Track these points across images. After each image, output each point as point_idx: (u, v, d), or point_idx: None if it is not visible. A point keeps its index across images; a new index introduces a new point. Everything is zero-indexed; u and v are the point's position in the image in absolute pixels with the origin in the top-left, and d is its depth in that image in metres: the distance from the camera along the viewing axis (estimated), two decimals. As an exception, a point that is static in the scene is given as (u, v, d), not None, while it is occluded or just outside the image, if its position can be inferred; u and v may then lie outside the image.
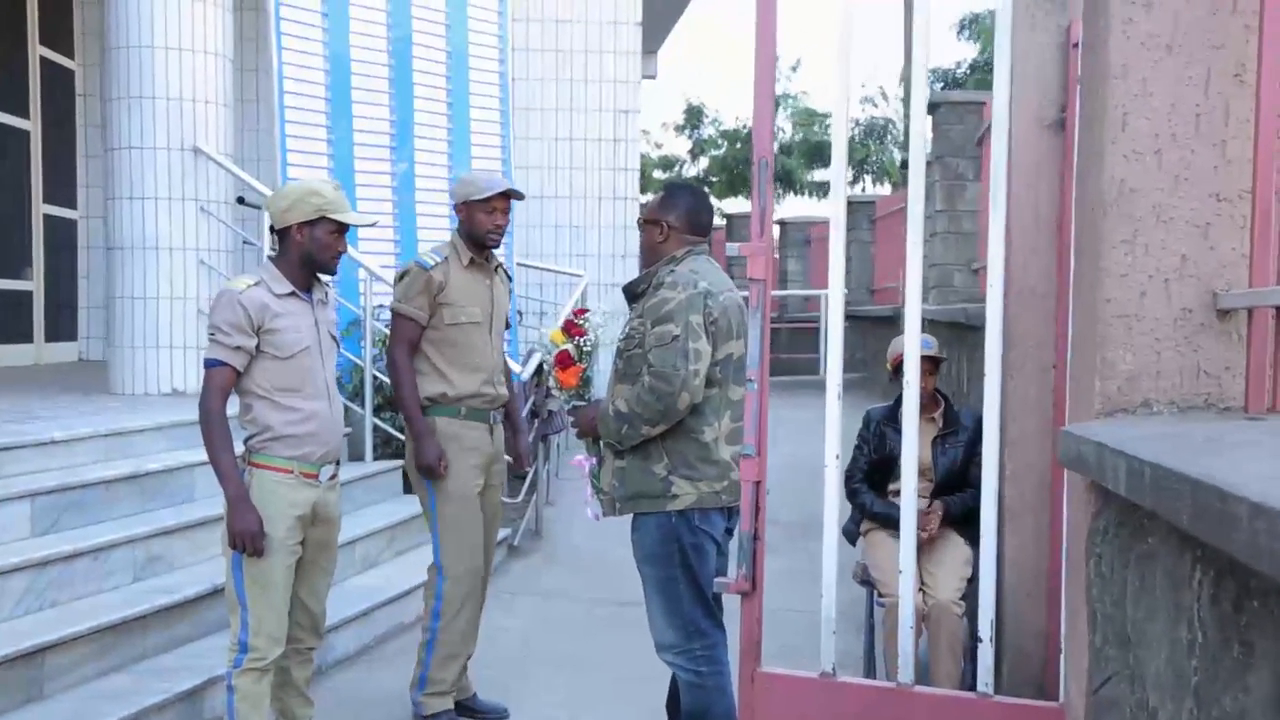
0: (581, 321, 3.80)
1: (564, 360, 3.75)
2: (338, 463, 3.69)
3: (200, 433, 3.40)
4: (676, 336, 3.30)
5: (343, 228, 3.56)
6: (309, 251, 3.52)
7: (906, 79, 21.63)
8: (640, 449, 3.42)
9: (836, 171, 2.91)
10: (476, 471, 4.11)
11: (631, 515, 3.51)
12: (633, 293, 3.58)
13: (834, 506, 2.94)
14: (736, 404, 3.41)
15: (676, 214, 3.58)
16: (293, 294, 3.51)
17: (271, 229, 3.60)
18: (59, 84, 9.32)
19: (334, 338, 3.70)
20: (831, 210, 2.90)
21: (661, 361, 3.30)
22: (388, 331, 6.60)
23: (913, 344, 2.88)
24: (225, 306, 3.40)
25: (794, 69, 30.40)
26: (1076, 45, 3.64)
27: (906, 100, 22.31)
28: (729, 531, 3.54)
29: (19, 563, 3.93)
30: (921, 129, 2.93)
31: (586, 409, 3.62)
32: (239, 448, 3.48)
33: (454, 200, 4.20)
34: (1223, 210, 2.07)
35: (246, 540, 3.34)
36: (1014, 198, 3.67)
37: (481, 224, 4.12)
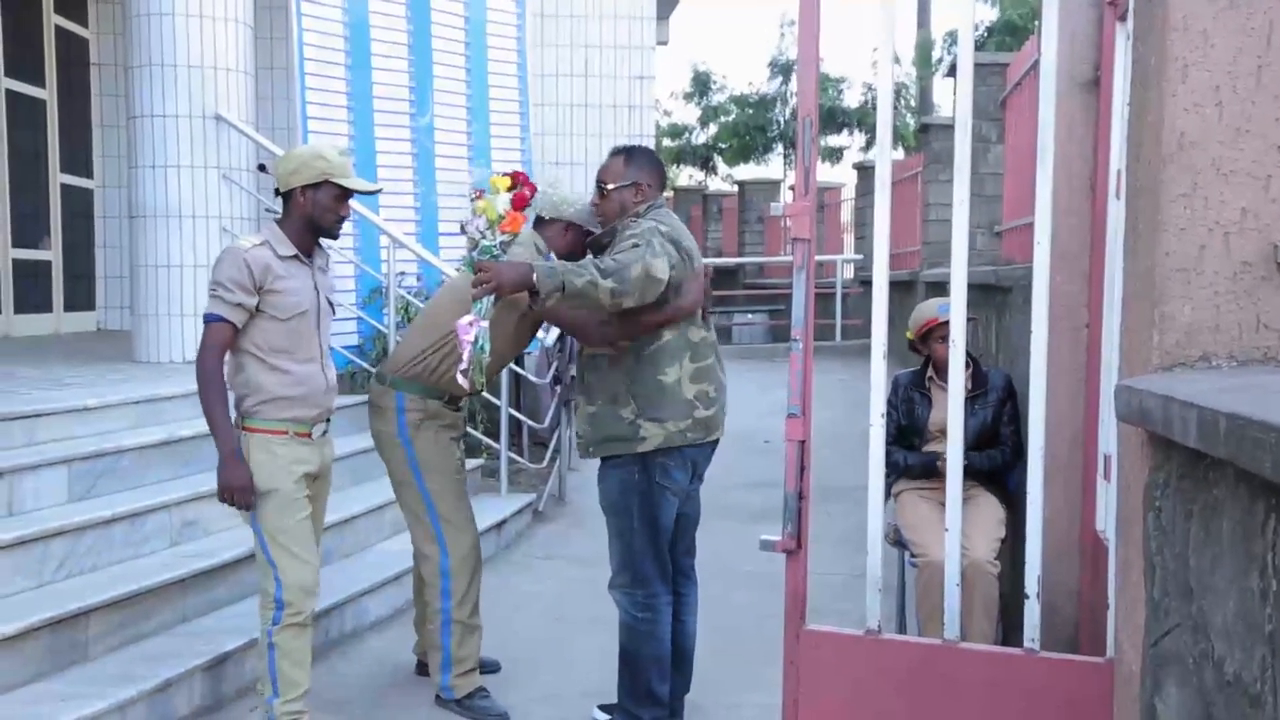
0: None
1: (521, 202, 3.58)
2: (328, 420, 3.72)
3: (198, 389, 3.42)
4: (638, 245, 3.39)
5: (346, 193, 3.59)
6: (311, 215, 3.55)
7: (921, 43, 21.48)
8: (609, 395, 3.57)
9: (882, 138, 2.90)
10: (455, 444, 4.10)
11: (598, 465, 3.69)
12: (599, 245, 3.69)
13: (879, 467, 2.95)
14: (697, 345, 3.62)
15: (648, 173, 3.72)
16: (295, 257, 3.55)
17: (276, 191, 3.62)
18: (74, 52, 9.29)
19: (331, 304, 3.73)
20: (878, 173, 2.90)
21: (622, 255, 3.36)
22: (410, 298, 6.66)
23: (959, 310, 2.88)
24: (230, 263, 3.43)
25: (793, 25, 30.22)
26: (1112, 3, 3.62)
27: (920, 64, 22.18)
28: (698, 478, 3.75)
29: (58, 528, 3.96)
30: (966, 104, 2.90)
31: (511, 262, 3.45)
32: (232, 413, 3.53)
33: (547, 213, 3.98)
34: (1284, 163, 2.06)
35: (235, 495, 3.41)
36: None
37: None
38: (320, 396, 3.61)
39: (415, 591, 4.31)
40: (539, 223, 4.00)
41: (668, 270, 3.40)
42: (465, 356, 3.48)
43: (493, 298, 3.46)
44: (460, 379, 3.54)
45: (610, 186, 3.69)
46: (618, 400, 3.57)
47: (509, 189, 3.58)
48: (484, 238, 3.55)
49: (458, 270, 3.83)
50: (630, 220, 3.61)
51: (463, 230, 3.70)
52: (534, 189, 3.66)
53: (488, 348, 3.54)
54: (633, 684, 3.71)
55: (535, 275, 3.24)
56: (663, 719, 3.74)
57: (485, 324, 3.49)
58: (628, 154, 3.73)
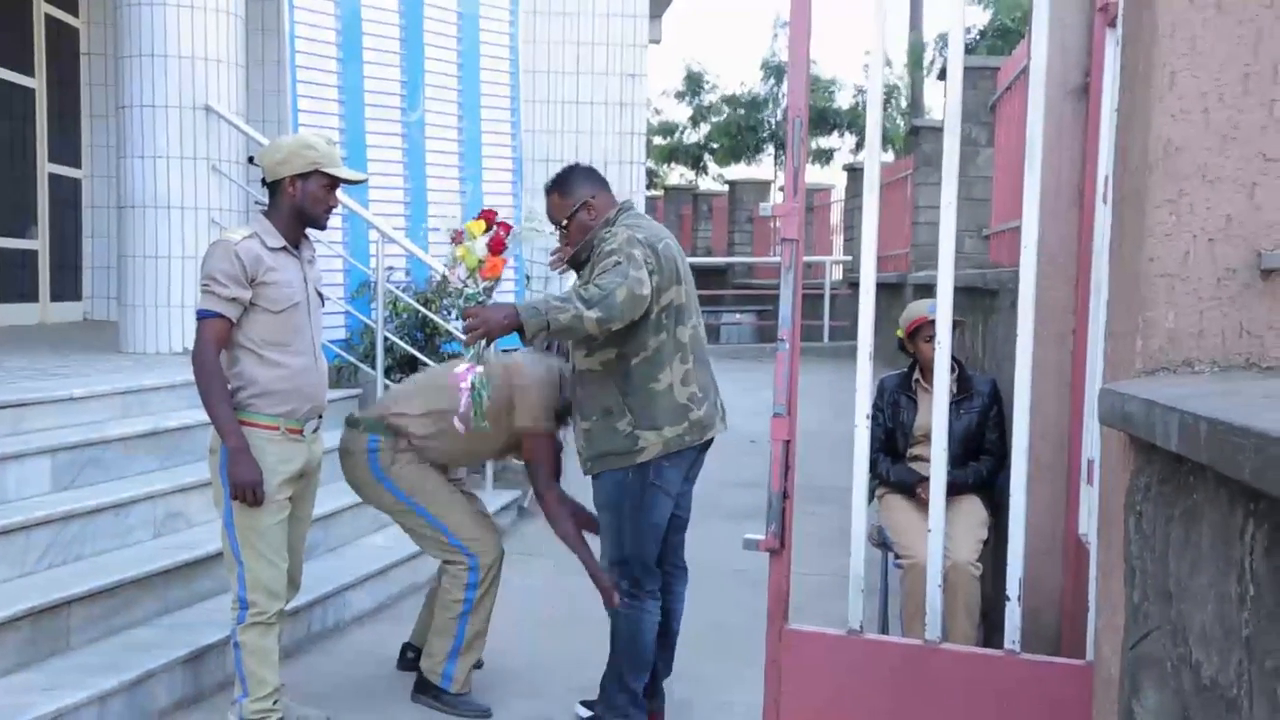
0: (506, 230, 3.64)
1: (499, 246, 3.58)
2: (320, 415, 3.71)
3: (197, 388, 3.41)
4: (619, 262, 3.37)
5: (334, 182, 3.57)
6: (301, 205, 3.53)
7: (913, 45, 21.52)
8: (603, 409, 3.55)
9: (872, 140, 2.91)
10: (434, 465, 4.07)
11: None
12: (577, 261, 3.68)
13: (863, 467, 2.96)
14: (685, 345, 3.60)
15: (587, 187, 3.69)
16: (284, 248, 3.53)
17: (263, 182, 3.60)
18: (64, 42, 9.25)
19: (320, 296, 3.71)
20: (867, 175, 2.91)
21: (604, 278, 3.35)
22: (398, 293, 6.65)
23: (944, 311, 2.89)
24: (221, 257, 3.39)
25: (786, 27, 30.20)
26: (1103, 9, 3.64)
27: (911, 67, 22.22)
28: (689, 480, 3.76)
29: (42, 517, 3.95)
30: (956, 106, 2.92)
31: (496, 305, 3.46)
32: None
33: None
34: (1269, 170, 2.07)
35: (247, 491, 3.37)
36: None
37: None
38: (314, 389, 3.59)
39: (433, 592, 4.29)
40: None
41: (650, 283, 3.41)
42: (463, 403, 3.49)
43: (484, 343, 3.47)
44: (458, 424, 3.58)
45: (565, 221, 3.68)
46: (613, 413, 3.54)
47: (484, 232, 3.56)
48: (467, 286, 3.54)
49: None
50: (604, 230, 3.59)
51: (445, 280, 3.70)
52: (509, 228, 3.65)
53: (485, 392, 3.54)
54: (614, 674, 3.74)
55: (521, 316, 3.26)
56: (639, 714, 3.75)
57: (480, 369, 3.50)
58: (558, 185, 3.71)
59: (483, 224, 3.59)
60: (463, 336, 3.50)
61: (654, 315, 3.50)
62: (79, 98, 9.46)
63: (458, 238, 3.58)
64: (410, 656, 4.26)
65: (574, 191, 3.67)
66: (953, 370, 4.41)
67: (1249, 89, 2.07)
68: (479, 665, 4.31)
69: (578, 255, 3.68)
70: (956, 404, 4.37)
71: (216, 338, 3.39)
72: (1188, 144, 2.10)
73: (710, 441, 3.73)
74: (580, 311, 3.25)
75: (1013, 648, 2.80)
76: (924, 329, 4.33)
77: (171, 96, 6.27)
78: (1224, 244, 2.10)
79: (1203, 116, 2.09)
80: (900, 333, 4.54)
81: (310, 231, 3.67)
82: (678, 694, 3.97)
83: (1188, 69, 2.10)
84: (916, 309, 4.46)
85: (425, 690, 4.04)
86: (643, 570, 3.67)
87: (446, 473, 4.11)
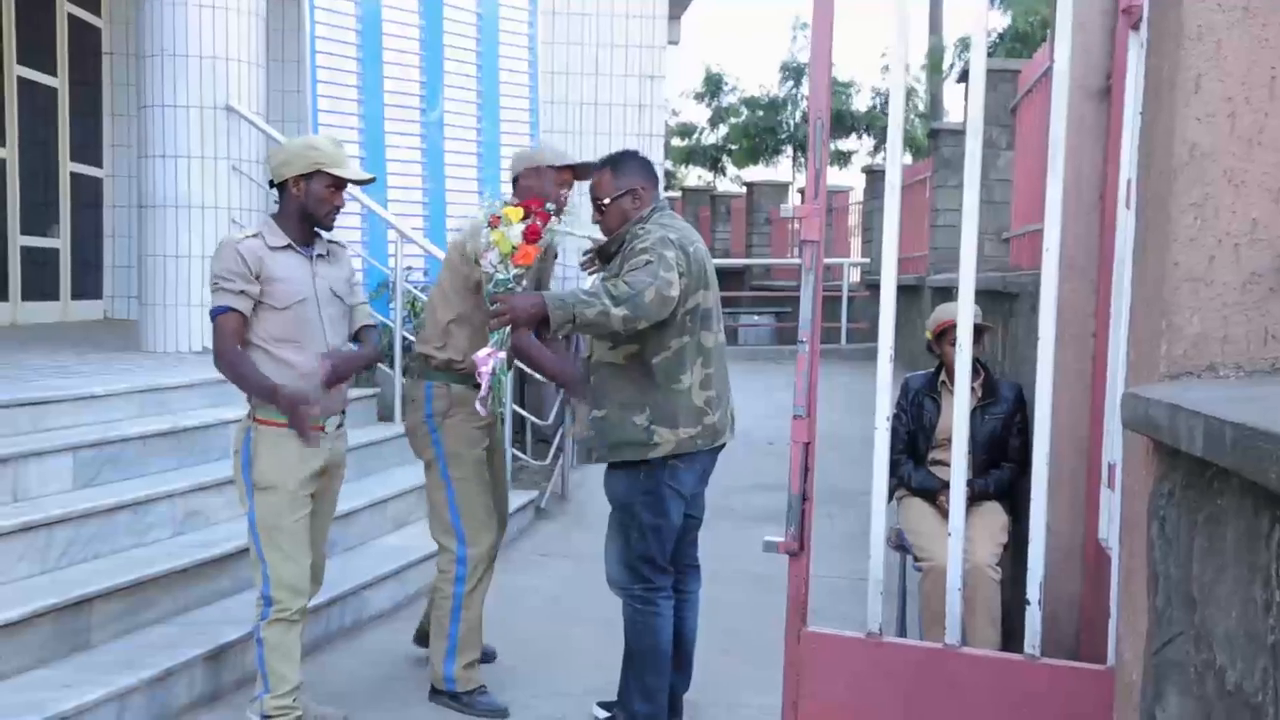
0: (548, 209, 3.67)
1: (534, 234, 3.60)
2: (343, 412, 3.72)
3: (228, 379, 3.46)
4: (650, 261, 3.38)
5: (339, 183, 3.59)
6: (305, 206, 3.56)
7: (933, 48, 21.47)
8: (622, 401, 3.54)
9: (894, 140, 2.90)
10: (482, 434, 4.10)
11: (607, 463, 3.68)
12: (606, 254, 3.67)
13: (882, 470, 2.95)
14: (708, 350, 3.59)
15: (640, 176, 3.67)
16: (288, 247, 3.56)
17: (271, 183, 3.64)
18: (86, 41, 9.31)
19: (337, 295, 3.69)
20: (888, 177, 2.90)
21: (634, 276, 3.36)
22: (417, 293, 6.66)
23: (965, 315, 2.89)
24: (225, 255, 3.46)
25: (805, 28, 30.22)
26: (1126, 10, 3.62)
27: (930, 70, 22.17)
28: (703, 479, 3.74)
29: (62, 514, 3.97)
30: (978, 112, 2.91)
31: (524, 294, 3.49)
32: (245, 406, 3.57)
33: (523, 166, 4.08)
34: (1296, 174, 2.06)
35: (299, 402, 3.40)
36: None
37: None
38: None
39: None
40: (515, 186, 4.08)
41: (679, 285, 3.41)
42: (484, 385, 3.52)
43: (508, 329, 3.51)
44: (479, 407, 3.60)
45: (607, 201, 3.65)
46: (631, 407, 3.54)
47: (522, 219, 3.59)
48: (498, 271, 3.57)
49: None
50: (637, 226, 3.58)
51: (476, 263, 3.73)
52: (547, 218, 3.67)
53: (506, 378, 3.57)
54: (630, 677, 3.72)
55: (548, 307, 3.29)
56: (659, 715, 3.74)
57: (503, 354, 3.53)
58: (613, 164, 3.69)
59: (520, 211, 3.62)
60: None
61: (679, 317, 3.50)
62: (101, 97, 9.52)
63: (494, 222, 3.60)
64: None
65: (626, 175, 3.65)
66: (979, 374, 4.41)
67: (1275, 93, 2.06)
68: (492, 659, 4.32)
69: (607, 247, 3.67)
70: (981, 409, 4.35)
71: (234, 331, 3.44)
72: (1213, 148, 2.09)
73: (722, 446, 3.73)
74: (607, 308, 3.28)
75: (1033, 652, 2.79)
76: (950, 332, 4.30)
77: (193, 96, 6.30)
78: (1249, 248, 2.09)
79: (1228, 121, 2.08)
80: (929, 334, 4.53)
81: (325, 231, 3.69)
82: (690, 695, 3.96)
83: (1213, 73, 2.09)
84: (945, 311, 4.43)
85: (440, 692, 4.06)
86: (655, 570, 3.66)
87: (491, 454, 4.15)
